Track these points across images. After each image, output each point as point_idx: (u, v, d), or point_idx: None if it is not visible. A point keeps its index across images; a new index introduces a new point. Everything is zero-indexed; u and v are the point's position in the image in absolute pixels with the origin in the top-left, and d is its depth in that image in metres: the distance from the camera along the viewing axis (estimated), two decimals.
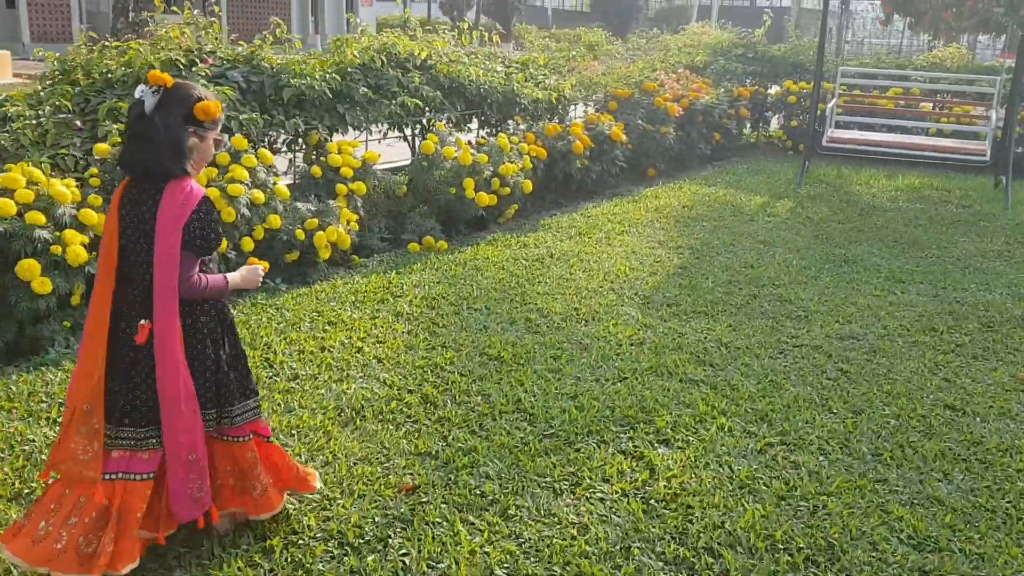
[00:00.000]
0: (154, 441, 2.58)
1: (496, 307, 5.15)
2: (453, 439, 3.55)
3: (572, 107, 9.54)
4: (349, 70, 6.37)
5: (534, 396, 3.96)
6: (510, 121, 8.35)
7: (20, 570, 2.58)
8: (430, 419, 3.72)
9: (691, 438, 3.63)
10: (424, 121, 7.42)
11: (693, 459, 3.46)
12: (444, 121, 7.49)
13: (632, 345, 4.67)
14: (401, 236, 6.44)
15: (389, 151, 8.18)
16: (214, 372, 2.66)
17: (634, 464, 3.41)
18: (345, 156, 6.04)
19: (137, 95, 2.50)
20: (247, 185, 5.19)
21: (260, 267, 2.84)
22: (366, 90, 6.38)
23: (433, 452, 3.44)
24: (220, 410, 2.70)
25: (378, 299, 5.22)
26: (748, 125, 12.45)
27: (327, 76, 6.23)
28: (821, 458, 3.51)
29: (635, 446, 3.54)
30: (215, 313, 2.67)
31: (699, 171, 10.35)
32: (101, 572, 2.45)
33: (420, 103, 6.76)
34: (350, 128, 6.47)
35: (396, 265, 5.92)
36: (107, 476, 2.55)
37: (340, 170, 6.00)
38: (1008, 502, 3.25)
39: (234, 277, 2.71)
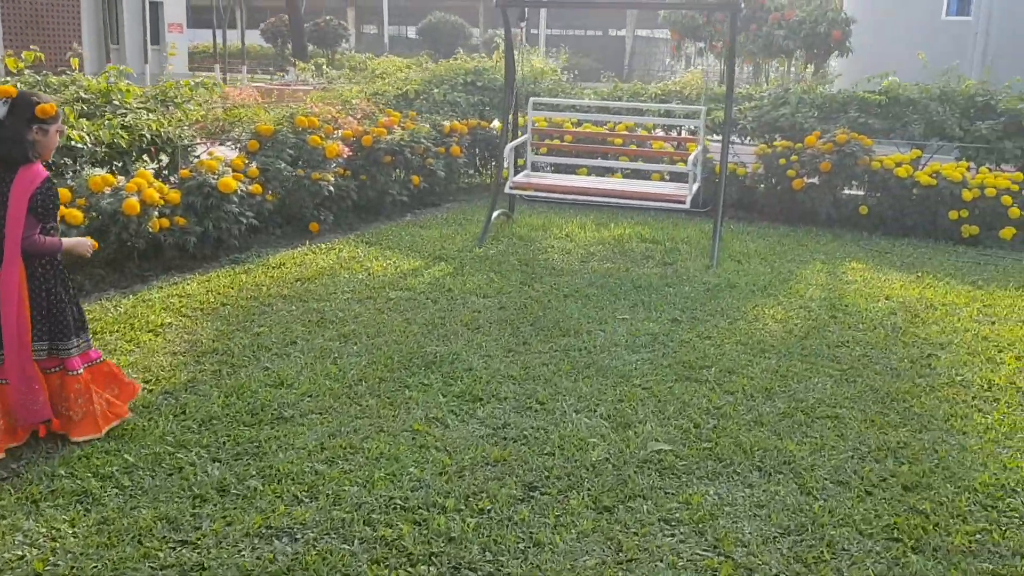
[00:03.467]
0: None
1: None
2: None
3: (199, 148, 7.51)
4: None
5: None
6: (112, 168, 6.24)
7: None
8: None
9: None
10: None
11: None
12: None
13: None
14: None
15: None
16: (46, 310, 3.54)
17: None
18: None
19: None
20: None
21: (89, 240, 3.86)
22: None
23: None
24: (52, 343, 3.56)
25: None
26: (476, 164, 10.70)
27: None
28: None
29: None
30: (50, 267, 3.56)
31: (389, 222, 8.46)
32: None
33: None
34: None
35: None
36: None
37: None
38: None
39: (67, 241, 3.66)
